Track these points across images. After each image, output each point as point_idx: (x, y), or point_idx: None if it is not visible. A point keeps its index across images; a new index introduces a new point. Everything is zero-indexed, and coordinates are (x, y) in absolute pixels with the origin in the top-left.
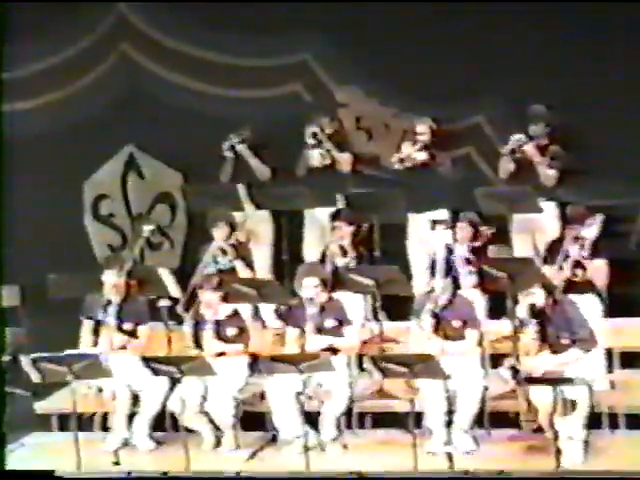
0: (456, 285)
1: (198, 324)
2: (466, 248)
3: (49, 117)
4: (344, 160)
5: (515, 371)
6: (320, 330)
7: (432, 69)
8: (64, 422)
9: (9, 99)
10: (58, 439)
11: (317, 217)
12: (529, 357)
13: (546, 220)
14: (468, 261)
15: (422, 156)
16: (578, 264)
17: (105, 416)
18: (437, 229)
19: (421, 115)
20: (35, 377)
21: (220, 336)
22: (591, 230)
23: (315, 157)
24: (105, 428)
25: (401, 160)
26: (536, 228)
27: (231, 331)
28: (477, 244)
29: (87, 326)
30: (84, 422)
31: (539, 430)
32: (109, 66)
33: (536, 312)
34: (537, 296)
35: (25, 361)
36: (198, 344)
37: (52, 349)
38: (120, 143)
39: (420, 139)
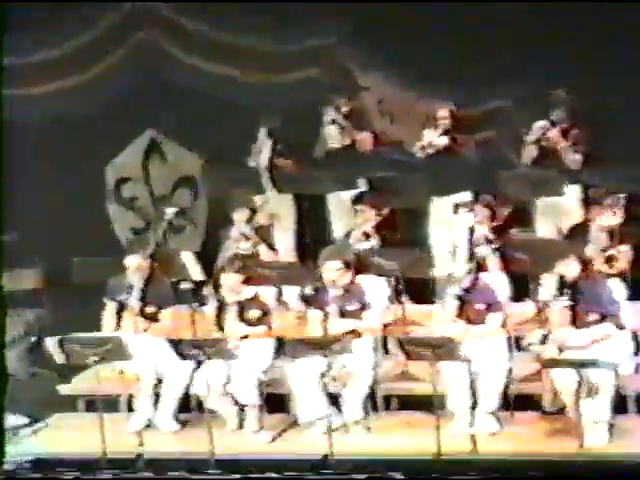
0: (479, 268)
1: (221, 306)
2: (486, 229)
3: (71, 101)
4: (364, 139)
5: (544, 337)
6: (343, 313)
7: (454, 53)
8: (90, 403)
9: (31, 83)
10: (83, 420)
11: (342, 199)
12: (560, 328)
13: (570, 203)
14: (489, 241)
15: (444, 141)
16: (612, 257)
17: (131, 397)
18: (460, 212)
19: (443, 99)
20: (59, 358)
21: (243, 318)
22: (617, 217)
23: (334, 136)
24: (131, 409)
25: (423, 147)
26: (560, 211)
27: (253, 313)
28: (495, 224)
29: (110, 309)
30: (110, 403)
31: (563, 412)
32: (130, 50)
33: (567, 284)
34: (571, 267)
35: (50, 343)
36: (221, 326)
37: (76, 331)
38: (141, 127)
39: (441, 123)
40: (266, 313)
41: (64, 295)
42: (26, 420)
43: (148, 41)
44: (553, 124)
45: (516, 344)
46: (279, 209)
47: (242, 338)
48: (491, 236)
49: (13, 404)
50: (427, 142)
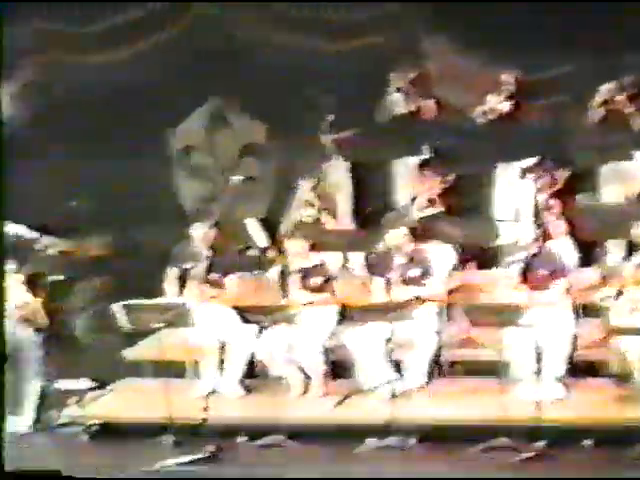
0: (545, 235)
1: (284, 273)
2: (547, 195)
3: (139, 68)
4: (428, 106)
5: (618, 295)
6: (406, 280)
7: (519, 19)
8: (156, 368)
9: (96, 51)
10: (149, 385)
11: (408, 165)
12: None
13: (637, 168)
14: (550, 207)
15: (506, 107)
16: None
17: (197, 363)
18: (527, 178)
19: (507, 65)
20: (125, 324)
21: (306, 285)
22: None
23: (398, 103)
24: (197, 375)
25: (484, 112)
26: (627, 177)
27: (317, 280)
28: (556, 190)
29: (172, 276)
30: (176, 369)
31: (630, 379)
32: (199, 17)
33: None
34: None
35: (116, 308)
36: (285, 293)
37: (142, 297)
38: (207, 95)
39: (505, 89)
40: (329, 280)
41: (130, 262)
42: (92, 384)
43: (215, 10)
44: (622, 89)
45: (582, 310)
46: (342, 177)
47: (306, 305)
48: (553, 202)
49: (80, 368)
50: (489, 107)
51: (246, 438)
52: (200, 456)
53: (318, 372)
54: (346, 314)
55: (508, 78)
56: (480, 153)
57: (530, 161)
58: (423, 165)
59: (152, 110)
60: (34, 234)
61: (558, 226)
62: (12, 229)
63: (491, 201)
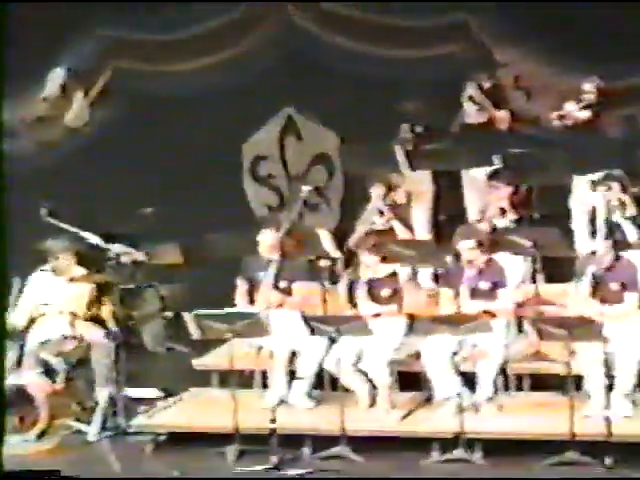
0: (618, 248)
1: (353, 284)
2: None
3: (210, 78)
4: (501, 117)
5: None
6: (477, 291)
7: (595, 27)
8: (224, 378)
9: (170, 60)
10: (216, 395)
11: (475, 177)
12: None
13: None
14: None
15: (585, 114)
16: None
17: (265, 374)
18: (598, 190)
19: (583, 74)
20: (195, 334)
21: (374, 297)
22: None
23: (471, 114)
24: (265, 386)
25: (561, 117)
26: None
27: (385, 292)
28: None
29: (242, 286)
30: (244, 379)
31: None
32: (270, 29)
33: None
34: None
35: (187, 317)
36: (353, 304)
37: (212, 306)
38: (279, 105)
39: (585, 98)
40: (397, 291)
41: (199, 271)
42: (160, 394)
43: (289, 21)
44: None
45: None
46: (416, 186)
47: (374, 316)
48: (628, 212)
49: (148, 377)
50: (566, 112)
51: (311, 449)
52: (264, 467)
53: (385, 384)
54: (414, 326)
55: (589, 87)
56: (555, 163)
57: (599, 174)
58: (493, 176)
59: (227, 119)
60: (106, 243)
61: (633, 237)
62: (86, 237)
63: (565, 212)
